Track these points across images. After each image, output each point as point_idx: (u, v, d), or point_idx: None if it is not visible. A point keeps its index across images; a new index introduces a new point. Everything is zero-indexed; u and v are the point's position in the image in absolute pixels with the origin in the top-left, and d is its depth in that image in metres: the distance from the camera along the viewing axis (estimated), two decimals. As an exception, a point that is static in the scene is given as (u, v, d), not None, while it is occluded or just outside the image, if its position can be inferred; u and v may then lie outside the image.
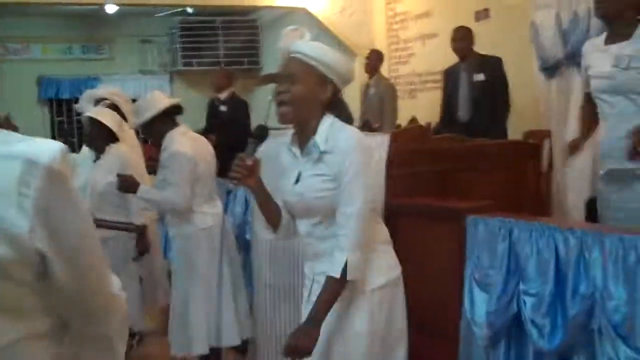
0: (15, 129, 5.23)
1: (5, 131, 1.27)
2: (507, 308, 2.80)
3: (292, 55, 2.48)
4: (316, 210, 2.46)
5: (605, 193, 3.41)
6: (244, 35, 11.31)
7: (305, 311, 2.55)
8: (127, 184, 3.97)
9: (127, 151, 4.55)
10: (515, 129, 5.99)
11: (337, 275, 2.35)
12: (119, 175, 4.01)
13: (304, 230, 2.56)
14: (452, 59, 6.93)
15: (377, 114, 7.38)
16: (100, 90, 5.64)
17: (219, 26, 11.19)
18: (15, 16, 10.04)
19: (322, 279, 2.45)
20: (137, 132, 5.15)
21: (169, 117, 4.00)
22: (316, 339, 2.34)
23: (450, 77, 6.50)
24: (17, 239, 1.19)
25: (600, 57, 3.37)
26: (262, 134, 2.60)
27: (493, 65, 6.17)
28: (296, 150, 2.54)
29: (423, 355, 3.43)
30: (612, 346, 2.38)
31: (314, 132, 2.44)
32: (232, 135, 6.67)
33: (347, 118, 2.52)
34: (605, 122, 3.42)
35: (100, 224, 3.81)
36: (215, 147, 4.25)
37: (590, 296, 2.47)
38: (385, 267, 2.53)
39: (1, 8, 7.78)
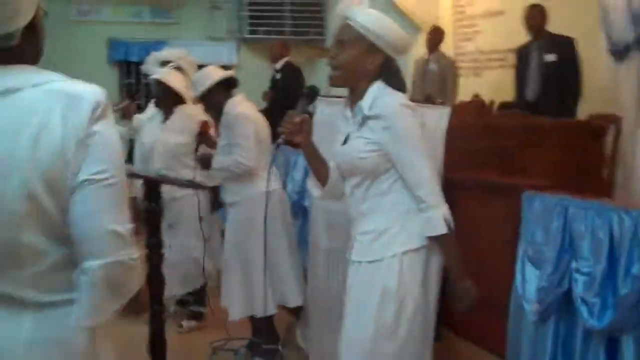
0: None
1: (51, 72, 1.50)
2: (559, 285, 2.82)
3: (346, 22, 2.54)
4: (358, 170, 2.56)
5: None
6: (310, 5, 11.32)
7: (349, 270, 2.66)
8: (206, 161, 4.11)
9: (194, 112, 4.67)
10: (582, 112, 5.91)
11: (444, 230, 2.49)
12: (204, 142, 4.16)
13: (348, 191, 2.66)
14: (518, 37, 6.85)
15: (436, 90, 7.37)
16: (166, 53, 5.71)
17: (286, -3, 11.23)
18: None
19: (364, 238, 2.58)
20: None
21: (225, 88, 4.11)
22: (473, 287, 2.58)
23: (521, 55, 6.40)
24: (65, 156, 1.41)
25: None
26: (311, 93, 2.72)
27: (565, 46, 6.06)
28: (348, 113, 2.63)
29: (473, 328, 3.49)
30: (661, 327, 2.40)
31: (362, 97, 2.52)
32: (283, 101, 6.79)
33: (399, 86, 2.57)
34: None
35: (170, 181, 3.91)
36: (271, 108, 4.40)
37: (642, 277, 2.48)
38: (419, 232, 2.56)
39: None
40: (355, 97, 2.58)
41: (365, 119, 2.51)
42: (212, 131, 4.48)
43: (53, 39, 10.87)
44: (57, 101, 1.43)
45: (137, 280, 1.56)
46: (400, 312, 2.52)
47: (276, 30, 10.87)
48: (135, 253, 1.52)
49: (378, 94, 2.51)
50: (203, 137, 4.28)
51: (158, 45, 10.97)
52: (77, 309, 1.47)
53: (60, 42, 10.41)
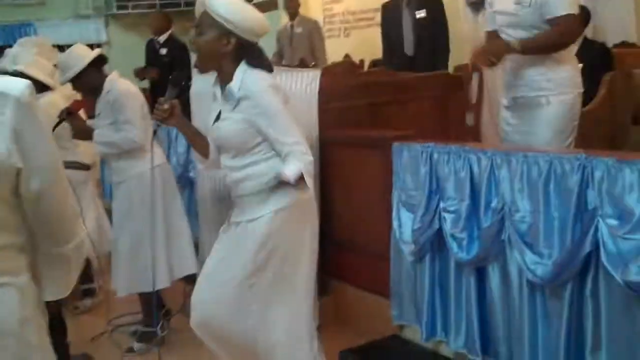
0: None
1: None
2: (430, 225, 3.08)
3: (204, 9, 2.74)
4: (231, 146, 2.78)
5: (508, 119, 3.68)
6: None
7: (224, 234, 2.89)
8: (81, 131, 4.04)
9: (57, 99, 4.57)
10: (452, 63, 6.22)
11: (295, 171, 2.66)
12: (70, 122, 4.04)
13: (224, 162, 2.88)
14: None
15: (307, 53, 7.53)
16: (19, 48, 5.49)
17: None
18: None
19: (241, 202, 2.81)
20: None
21: (97, 68, 4.10)
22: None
23: (390, 12, 6.40)
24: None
25: None
26: (177, 80, 2.96)
27: (433, 1, 6.17)
28: (217, 91, 2.82)
29: (357, 274, 3.73)
30: (519, 253, 2.68)
31: (231, 78, 2.72)
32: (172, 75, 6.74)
33: (263, 66, 2.77)
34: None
35: None
36: (157, 82, 4.38)
37: (500, 210, 2.76)
38: (290, 190, 2.76)
39: None
40: (222, 77, 2.78)
41: (239, 100, 2.71)
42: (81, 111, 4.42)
43: None
44: None
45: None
46: (269, 258, 2.75)
47: (145, 4, 10.74)
48: (82, 232, 1.71)
49: (244, 76, 2.71)
50: (71, 116, 4.17)
51: (24, 27, 10.66)
52: (50, 286, 1.65)
53: None
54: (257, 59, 2.77)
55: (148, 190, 4.04)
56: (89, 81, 4.03)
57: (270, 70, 2.81)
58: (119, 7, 11.00)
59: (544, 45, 3.46)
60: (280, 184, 2.70)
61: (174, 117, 2.85)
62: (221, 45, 2.71)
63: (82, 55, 4.02)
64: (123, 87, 4.02)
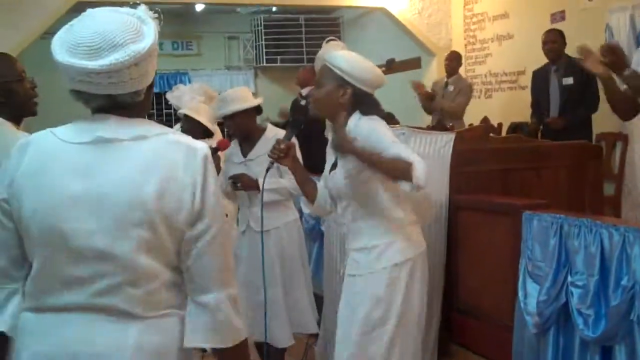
0: None
1: (162, 125, 1.77)
2: (556, 298, 3.01)
3: (324, 64, 2.92)
4: (344, 194, 2.90)
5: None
6: (326, 33, 11.59)
7: (344, 284, 2.99)
8: (244, 182, 4.13)
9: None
10: (596, 131, 6.12)
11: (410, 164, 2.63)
12: (232, 177, 4.13)
13: (340, 211, 2.99)
14: (528, 59, 7.07)
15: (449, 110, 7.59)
16: (189, 88, 5.82)
17: (302, 24, 11.53)
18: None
19: (356, 255, 2.91)
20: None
21: (254, 114, 4.27)
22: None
23: (539, 79, 6.55)
24: (184, 198, 1.67)
25: None
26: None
27: (582, 69, 6.15)
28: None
29: (480, 341, 3.68)
30: (649, 335, 2.59)
31: (344, 126, 2.86)
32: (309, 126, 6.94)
33: (378, 115, 2.91)
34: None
35: None
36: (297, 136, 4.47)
37: (630, 288, 2.67)
38: (403, 248, 2.87)
39: (93, 6, 8.32)
40: (337, 127, 2.90)
41: None
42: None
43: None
44: (179, 151, 1.69)
45: (239, 324, 1.77)
46: (387, 316, 2.82)
47: (293, 59, 11.18)
48: (237, 285, 1.80)
49: (356, 123, 2.85)
50: (216, 155, 4.24)
51: (179, 75, 11.34)
52: (191, 332, 1.72)
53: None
54: (372, 108, 2.90)
55: (294, 241, 4.12)
56: (243, 123, 4.17)
57: (384, 117, 2.94)
58: (268, 61, 11.49)
59: None
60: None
61: (288, 158, 2.99)
62: (338, 96, 2.87)
63: (245, 97, 4.20)
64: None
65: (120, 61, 1.59)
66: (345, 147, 2.75)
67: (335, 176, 2.93)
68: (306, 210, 3.21)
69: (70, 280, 1.65)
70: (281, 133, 4.13)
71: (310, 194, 3.14)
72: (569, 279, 2.96)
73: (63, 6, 7.61)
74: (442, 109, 7.58)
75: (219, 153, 4.16)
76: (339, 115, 2.91)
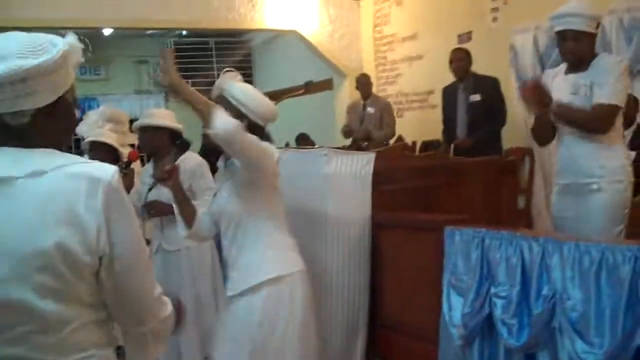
0: None
1: (68, 154, 1.64)
2: (480, 310, 3.10)
3: (221, 93, 3.05)
4: (227, 212, 3.07)
5: (559, 204, 3.74)
6: (237, 56, 11.65)
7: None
8: (158, 209, 4.11)
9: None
10: (505, 146, 6.32)
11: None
12: (145, 205, 4.10)
13: (222, 232, 3.14)
14: (437, 79, 7.27)
15: (377, 130, 7.73)
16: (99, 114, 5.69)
17: (212, 47, 11.52)
18: (14, 38, 10.30)
19: (234, 274, 3.08)
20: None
21: (166, 135, 4.26)
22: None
23: (448, 96, 6.73)
24: (87, 238, 1.55)
25: (560, 84, 3.73)
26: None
27: (489, 86, 6.41)
28: (222, 168, 3.20)
29: (406, 356, 3.74)
30: (570, 341, 2.69)
31: None
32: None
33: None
34: (562, 140, 3.79)
35: None
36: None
37: (551, 297, 2.78)
38: (282, 265, 3.06)
39: (7, 31, 8.09)
40: (227, 156, 3.07)
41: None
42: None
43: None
44: (79, 185, 1.56)
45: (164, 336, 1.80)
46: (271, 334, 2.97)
47: (204, 82, 11.10)
48: (168, 309, 1.77)
49: None
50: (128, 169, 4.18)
51: (87, 100, 11.12)
52: None
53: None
54: (263, 138, 3.05)
55: (203, 261, 4.16)
56: (161, 141, 4.17)
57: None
58: (179, 84, 11.40)
59: (574, 118, 3.58)
60: None
61: (171, 180, 3.13)
62: None
63: (165, 117, 4.22)
64: (199, 159, 4.19)
65: (1, 74, 1.50)
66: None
67: (220, 196, 3.09)
68: (182, 232, 3.28)
69: None
70: (192, 155, 4.19)
71: (188, 218, 3.23)
72: (492, 290, 3.05)
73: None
74: (373, 138, 7.65)
75: (132, 165, 4.11)
76: None
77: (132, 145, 4.50)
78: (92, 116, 5.28)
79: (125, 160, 3.99)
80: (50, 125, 1.62)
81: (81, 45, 1.68)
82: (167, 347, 1.85)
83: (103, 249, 1.58)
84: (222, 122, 2.74)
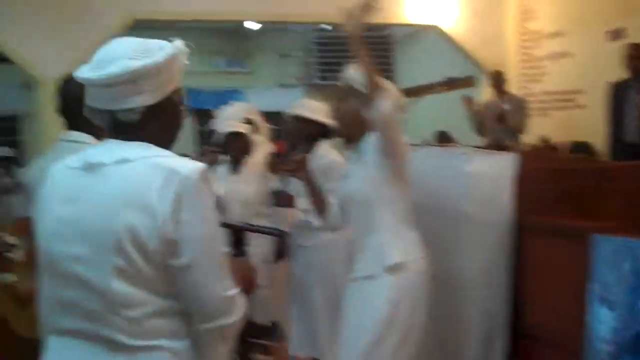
0: None
1: (161, 149, 1.75)
2: (632, 325, 2.91)
3: (351, 84, 3.17)
4: (358, 199, 3.11)
5: None
6: (378, 50, 11.59)
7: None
8: (284, 200, 4.21)
9: (261, 162, 4.84)
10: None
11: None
12: (275, 192, 4.22)
13: (349, 219, 3.19)
14: (585, 78, 6.94)
15: (510, 127, 7.51)
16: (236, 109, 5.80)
17: (354, 42, 11.51)
18: (164, 30, 10.71)
19: (361, 257, 3.11)
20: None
21: (322, 132, 4.31)
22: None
23: (617, 94, 6.08)
24: (156, 225, 1.63)
25: None
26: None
27: None
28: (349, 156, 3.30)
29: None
30: None
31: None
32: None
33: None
34: None
35: (246, 228, 3.96)
36: None
37: None
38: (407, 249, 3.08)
39: (151, 24, 8.42)
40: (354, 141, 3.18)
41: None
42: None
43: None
44: (157, 175, 1.66)
45: (229, 338, 1.81)
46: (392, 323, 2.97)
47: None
48: (240, 312, 1.77)
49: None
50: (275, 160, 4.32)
51: (232, 93, 11.42)
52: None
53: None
54: None
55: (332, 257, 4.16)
56: (310, 133, 4.24)
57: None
58: (321, 78, 11.51)
59: None
60: None
61: (302, 170, 3.20)
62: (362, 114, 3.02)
63: (321, 112, 4.26)
64: (332, 157, 4.21)
65: (113, 73, 1.64)
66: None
67: (351, 180, 3.09)
68: (315, 223, 3.33)
69: (64, 304, 1.69)
70: (327, 155, 4.18)
71: (321, 209, 3.29)
72: (645, 305, 2.86)
73: (120, 25, 7.73)
74: (512, 125, 7.40)
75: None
76: (363, 131, 3.08)
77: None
78: (226, 110, 5.43)
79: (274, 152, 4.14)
80: (156, 123, 1.76)
81: (187, 50, 1.79)
82: (229, 351, 1.81)
83: (169, 236, 1.63)
84: (387, 104, 2.83)
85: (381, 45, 11.69)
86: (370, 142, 3.06)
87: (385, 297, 2.98)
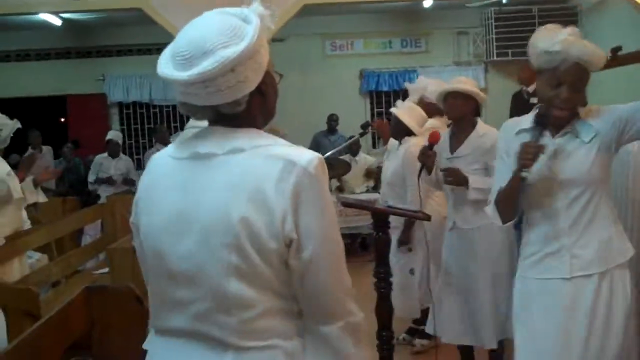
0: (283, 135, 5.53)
1: (272, 136, 1.63)
2: None
3: (574, 62, 2.63)
4: (583, 180, 2.72)
5: None
6: (563, 23, 10.96)
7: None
8: (456, 177, 4.03)
9: (414, 144, 4.69)
10: None
11: None
12: (444, 170, 4.04)
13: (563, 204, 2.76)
14: None
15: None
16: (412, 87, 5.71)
17: (535, 15, 11.03)
18: (339, 14, 10.87)
19: (583, 252, 2.71)
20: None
21: (475, 107, 4.16)
22: None
23: None
24: (273, 220, 1.52)
25: None
26: (542, 121, 2.77)
27: None
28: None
29: None
30: None
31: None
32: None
33: None
34: None
35: (397, 212, 3.78)
36: None
37: None
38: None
39: (326, 7, 8.51)
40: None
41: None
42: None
43: (310, 73, 11.56)
44: (273, 166, 1.54)
45: (362, 337, 1.66)
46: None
47: (524, 52, 10.67)
48: (359, 313, 1.65)
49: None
50: (426, 152, 4.09)
51: (407, 73, 11.35)
52: None
53: (316, 76, 11.14)
54: None
55: (499, 240, 3.99)
56: (461, 110, 4.08)
57: None
58: (499, 54, 11.14)
59: None
60: None
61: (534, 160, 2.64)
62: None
63: (473, 85, 4.16)
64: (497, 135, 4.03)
65: (209, 69, 1.50)
66: None
67: (572, 162, 2.68)
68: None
69: (172, 303, 1.60)
70: (492, 132, 3.96)
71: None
72: None
73: (291, 9, 7.83)
74: None
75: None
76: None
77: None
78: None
79: (427, 144, 3.97)
80: (263, 104, 1.65)
81: (268, 12, 1.62)
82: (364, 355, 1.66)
83: (289, 234, 1.53)
84: None
85: (566, 18, 11.09)
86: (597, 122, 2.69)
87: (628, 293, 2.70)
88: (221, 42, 1.52)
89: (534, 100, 7.74)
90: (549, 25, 2.77)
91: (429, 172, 4.00)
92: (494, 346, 4.04)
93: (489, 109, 9.52)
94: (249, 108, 1.61)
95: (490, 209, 2.84)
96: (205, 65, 1.50)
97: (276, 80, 1.71)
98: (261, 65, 1.59)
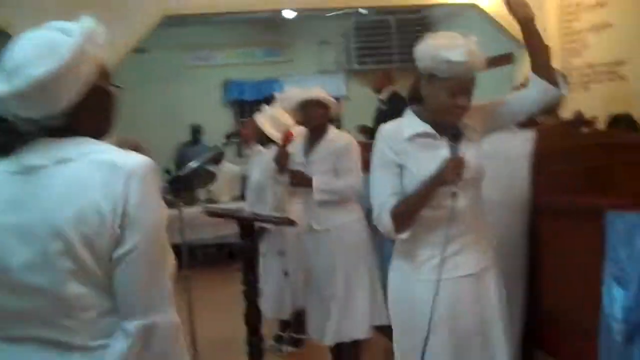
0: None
1: (101, 143, 1.67)
2: (644, 304, 2.80)
3: (472, 76, 2.78)
4: (474, 176, 2.87)
5: None
6: (417, 32, 11.42)
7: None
8: (298, 179, 4.21)
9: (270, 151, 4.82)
10: None
11: None
12: (290, 172, 4.20)
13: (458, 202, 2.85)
14: (627, 48, 6.69)
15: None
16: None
17: (391, 25, 11.41)
18: (200, 25, 10.82)
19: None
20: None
21: (327, 112, 4.31)
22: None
23: None
24: (104, 222, 1.57)
25: None
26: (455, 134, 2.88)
27: None
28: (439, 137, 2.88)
29: (564, 348, 3.49)
30: None
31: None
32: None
33: None
34: None
35: (255, 218, 3.91)
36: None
37: None
38: None
39: (187, 18, 8.45)
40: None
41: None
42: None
43: (173, 84, 11.35)
44: (99, 172, 1.59)
45: (179, 352, 1.68)
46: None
47: (384, 60, 11.05)
48: (173, 318, 1.67)
49: None
50: (281, 150, 4.32)
51: (271, 83, 11.43)
52: None
53: (179, 87, 11.02)
54: None
55: (359, 239, 4.14)
56: (316, 116, 4.22)
57: None
58: (360, 63, 11.43)
59: None
60: None
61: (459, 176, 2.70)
62: None
63: (326, 94, 4.32)
64: (348, 138, 4.21)
65: (19, 87, 1.53)
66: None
67: (471, 163, 2.74)
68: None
69: (16, 314, 1.62)
70: (342, 136, 4.17)
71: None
72: (658, 283, 2.75)
73: (151, 21, 7.75)
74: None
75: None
76: None
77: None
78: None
79: (281, 144, 4.13)
80: (88, 115, 1.66)
81: (97, 27, 1.65)
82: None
83: (117, 232, 1.58)
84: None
85: (420, 27, 11.54)
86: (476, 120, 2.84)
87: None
88: (33, 60, 1.55)
89: (383, 107, 8.06)
90: (446, 33, 2.84)
91: (281, 172, 4.16)
92: (366, 336, 4.22)
93: (350, 116, 9.75)
94: (76, 121, 1.64)
95: (385, 220, 2.75)
96: (15, 82, 1.54)
97: (114, 93, 1.74)
98: (84, 79, 1.62)
